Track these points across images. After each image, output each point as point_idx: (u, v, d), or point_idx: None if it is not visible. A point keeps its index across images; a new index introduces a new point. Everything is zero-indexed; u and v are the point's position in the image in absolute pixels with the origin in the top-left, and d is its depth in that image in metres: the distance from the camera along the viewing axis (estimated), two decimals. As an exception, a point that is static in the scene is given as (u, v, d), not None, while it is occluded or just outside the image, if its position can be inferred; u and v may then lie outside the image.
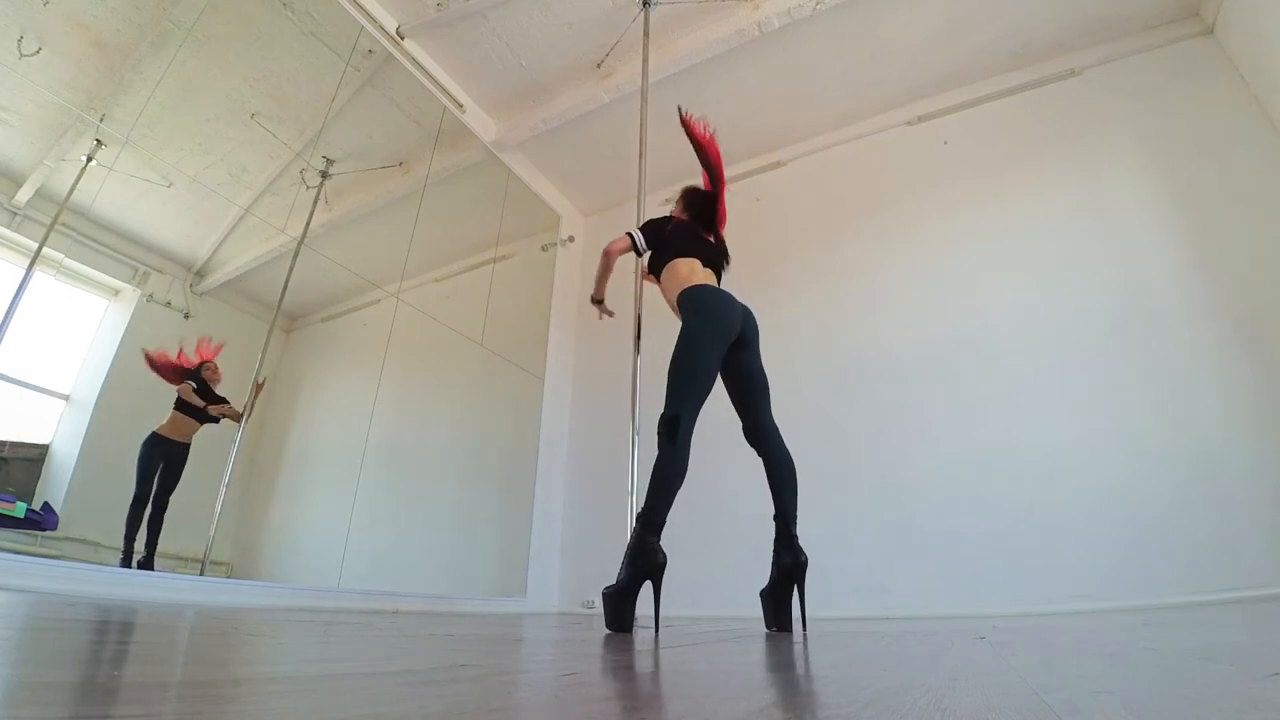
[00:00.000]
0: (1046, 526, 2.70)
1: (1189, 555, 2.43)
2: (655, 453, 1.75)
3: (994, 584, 2.71)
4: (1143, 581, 2.46)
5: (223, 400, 2.99)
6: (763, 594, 1.74)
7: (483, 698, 0.53)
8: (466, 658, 0.89)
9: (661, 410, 1.76)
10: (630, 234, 2.15)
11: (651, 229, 2.15)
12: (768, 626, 1.73)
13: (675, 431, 1.71)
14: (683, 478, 1.73)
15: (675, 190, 4.56)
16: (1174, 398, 2.69)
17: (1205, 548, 2.42)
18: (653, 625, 1.68)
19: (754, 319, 2.02)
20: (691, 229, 2.17)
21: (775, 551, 1.75)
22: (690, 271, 2.03)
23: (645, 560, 1.63)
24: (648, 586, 1.66)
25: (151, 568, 2.64)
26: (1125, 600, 2.45)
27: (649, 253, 2.15)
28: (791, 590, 1.70)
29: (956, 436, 3.04)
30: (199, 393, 2.92)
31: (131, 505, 2.67)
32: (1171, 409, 2.68)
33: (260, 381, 3.08)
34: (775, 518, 1.80)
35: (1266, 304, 2.65)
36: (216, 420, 2.94)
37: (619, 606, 1.60)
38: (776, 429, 1.96)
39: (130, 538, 2.63)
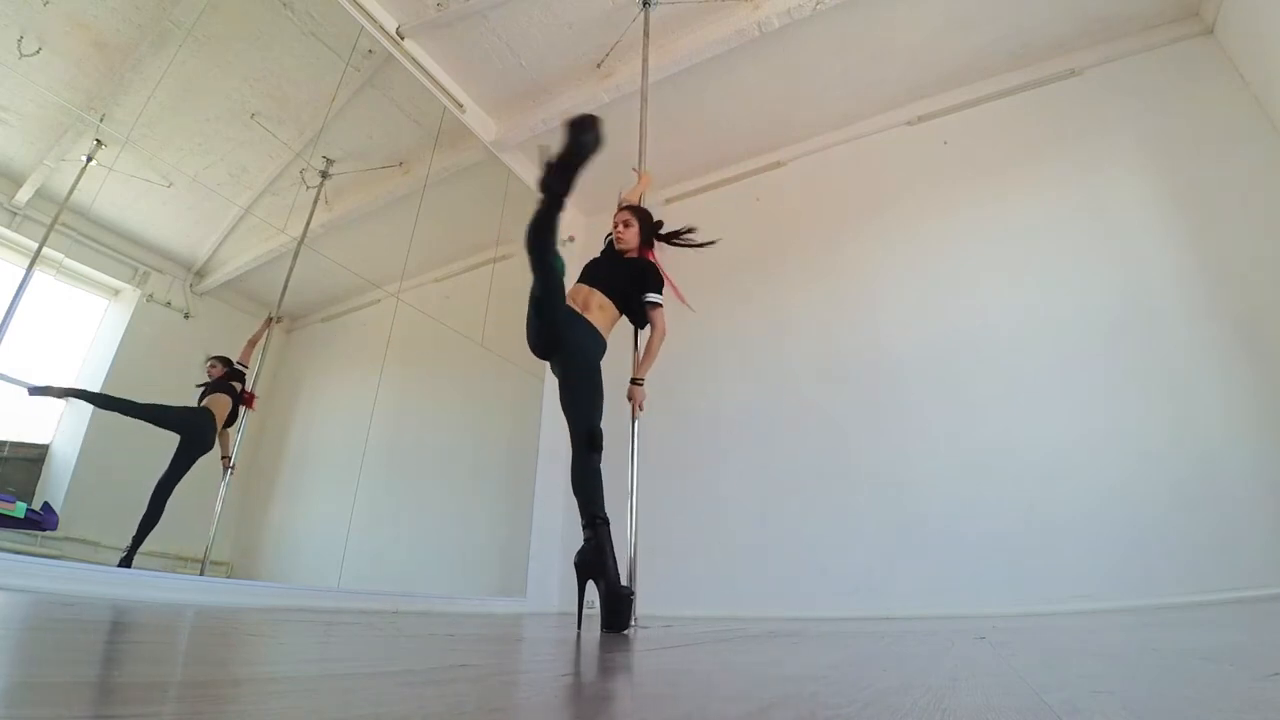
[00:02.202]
0: (1046, 526, 2.70)
1: (1189, 555, 2.43)
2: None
3: (994, 584, 2.71)
4: (1143, 581, 2.46)
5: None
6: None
7: (483, 698, 0.53)
8: (466, 658, 0.89)
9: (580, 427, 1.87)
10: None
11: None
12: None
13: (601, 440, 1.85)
14: None
15: (676, 190, 4.57)
16: (1174, 398, 2.69)
17: (1205, 548, 2.42)
18: (653, 626, 1.68)
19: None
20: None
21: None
22: None
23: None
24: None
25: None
26: (1125, 600, 2.45)
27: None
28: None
29: (956, 436, 3.04)
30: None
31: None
32: (1171, 409, 2.68)
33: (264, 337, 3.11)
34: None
35: (1266, 304, 2.64)
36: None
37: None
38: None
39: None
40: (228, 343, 3.14)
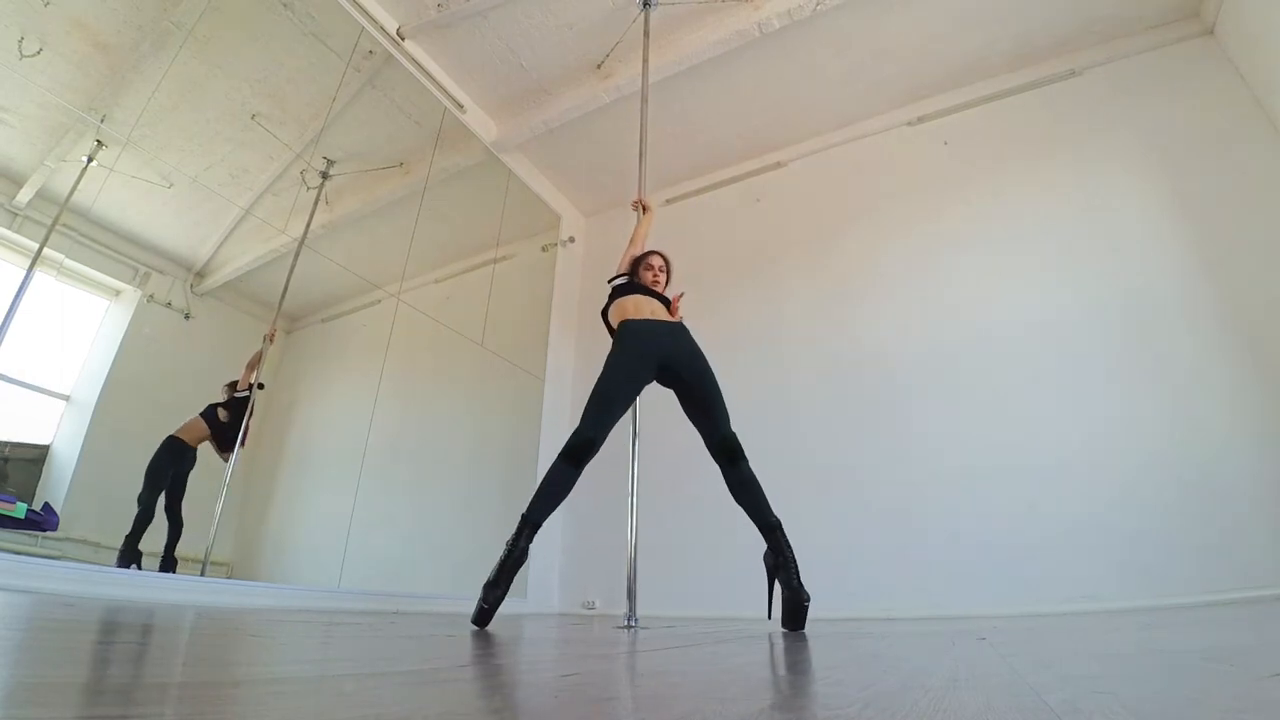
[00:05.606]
0: (1047, 527, 2.69)
1: (1191, 555, 2.43)
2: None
3: (995, 584, 2.70)
4: (1143, 581, 2.46)
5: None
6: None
7: (483, 698, 0.53)
8: (466, 658, 0.89)
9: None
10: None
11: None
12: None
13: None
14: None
15: (676, 191, 4.57)
16: (1175, 398, 2.69)
17: (1207, 548, 2.41)
18: (653, 626, 1.68)
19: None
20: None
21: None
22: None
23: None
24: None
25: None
26: (1126, 600, 2.44)
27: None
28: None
29: (957, 437, 3.04)
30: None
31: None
32: (1173, 409, 2.68)
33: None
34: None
35: (1269, 303, 2.64)
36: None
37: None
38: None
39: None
40: (227, 343, 3.14)
